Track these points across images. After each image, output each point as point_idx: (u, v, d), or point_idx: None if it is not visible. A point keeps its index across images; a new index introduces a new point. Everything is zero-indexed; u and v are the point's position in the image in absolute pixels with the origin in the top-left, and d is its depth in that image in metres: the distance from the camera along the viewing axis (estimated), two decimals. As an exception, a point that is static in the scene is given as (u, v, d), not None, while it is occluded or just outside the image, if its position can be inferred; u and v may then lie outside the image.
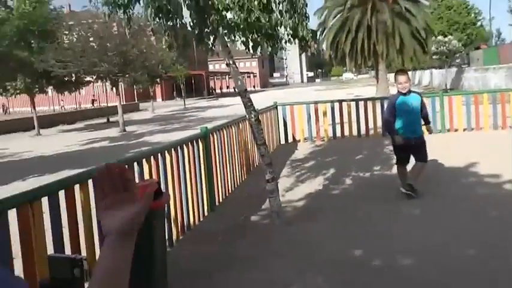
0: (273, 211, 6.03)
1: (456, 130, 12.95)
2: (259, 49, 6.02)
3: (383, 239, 5.27)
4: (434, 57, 40.93)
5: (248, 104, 5.97)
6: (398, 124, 6.76)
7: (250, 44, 5.78)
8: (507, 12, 77.19)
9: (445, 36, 43.92)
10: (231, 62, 5.90)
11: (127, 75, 24.99)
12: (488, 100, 13.21)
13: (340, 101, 13.60)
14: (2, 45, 18.91)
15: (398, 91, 6.83)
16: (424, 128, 7.22)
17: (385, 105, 8.50)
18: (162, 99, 62.25)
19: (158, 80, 34.80)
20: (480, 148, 10.29)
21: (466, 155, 9.24)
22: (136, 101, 49.15)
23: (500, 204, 6.30)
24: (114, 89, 24.95)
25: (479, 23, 65.94)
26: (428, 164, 7.08)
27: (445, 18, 61.00)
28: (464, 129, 12.97)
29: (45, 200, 3.39)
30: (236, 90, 6.30)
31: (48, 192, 3.36)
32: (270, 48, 6.04)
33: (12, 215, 3.10)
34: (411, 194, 6.60)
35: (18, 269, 3.04)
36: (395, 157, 7.19)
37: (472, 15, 64.41)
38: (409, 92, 6.83)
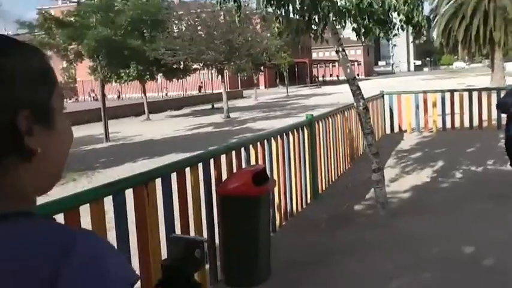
0: (378, 202, 5.89)
1: None
2: (369, 35, 5.86)
3: (494, 239, 4.94)
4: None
5: (356, 92, 5.85)
6: None
7: (362, 30, 5.64)
8: None
9: None
10: (340, 49, 5.81)
11: (232, 63, 25.51)
12: None
13: (452, 91, 12.94)
14: (118, 34, 20.01)
15: None
16: None
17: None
18: (265, 87, 62.97)
19: (262, 67, 35.22)
20: None
21: None
22: (240, 88, 50.14)
23: None
24: (219, 76, 25.59)
25: None
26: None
27: None
28: None
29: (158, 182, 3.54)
30: (340, 77, 6.20)
31: (161, 174, 3.51)
32: (381, 35, 5.85)
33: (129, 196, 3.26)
34: None
35: (133, 246, 3.21)
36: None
37: None
38: None
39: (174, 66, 25.38)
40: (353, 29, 5.95)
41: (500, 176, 7.35)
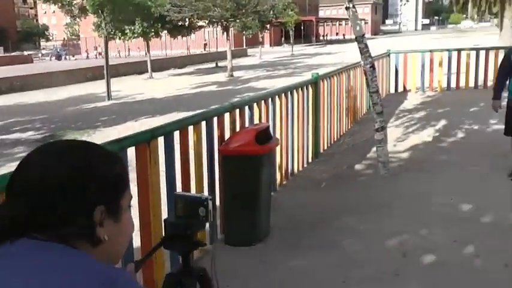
0: (380, 161, 5.92)
1: None
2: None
3: (494, 196, 5.00)
4: None
5: (364, 50, 5.80)
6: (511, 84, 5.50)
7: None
8: None
9: None
10: (350, 6, 5.72)
11: (238, 21, 25.19)
12: None
13: (459, 50, 12.80)
14: (123, -11, 19.70)
15: None
16: None
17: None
18: (270, 45, 62.31)
19: (268, 26, 34.76)
20: None
21: None
22: (245, 47, 49.64)
23: None
24: (224, 34, 25.31)
25: None
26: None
27: None
28: None
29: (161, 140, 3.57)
30: (346, 36, 6.11)
31: (163, 132, 3.53)
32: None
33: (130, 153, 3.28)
34: None
35: (134, 204, 3.26)
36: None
37: None
38: None
39: (179, 23, 25.07)
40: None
41: (502, 135, 7.34)
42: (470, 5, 29.53)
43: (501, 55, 11.93)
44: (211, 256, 1.74)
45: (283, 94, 5.68)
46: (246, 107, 4.82)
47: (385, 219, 4.60)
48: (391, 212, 4.79)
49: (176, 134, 3.69)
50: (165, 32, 26.92)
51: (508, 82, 5.56)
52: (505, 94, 5.68)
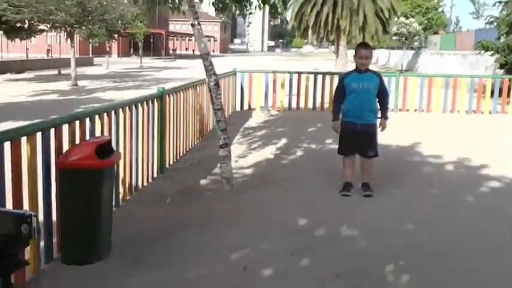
0: (224, 177, 6.04)
1: (407, 110, 13.25)
2: (226, 12, 5.92)
3: (330, 211, 5.38)
4: (394, 37, 41.48)
5: (209, 68, 5.90)
6: (346, 106, 5.83)
7: (219, 5, 5.67)
8: (468, 1, 78.78)
9: (407, 18, 44.51)
10: (196, 23, 5.78)
11: (84, 27, 24.15)
12: (441, 84, 13.56)
13: (299, 73, 13.63)
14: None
15: (355, 67, 5.87)
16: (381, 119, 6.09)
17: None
18: (118, 56, 60.69)
19: (116, 35, 33.86)
20: (429, 129, 10.61)
21: (415, 135, 9.51)
22: (91, 55, 47.72)
23: (443, 181, 6.55)
24: (69, 40, 24.09)
25: (440, 9, 67.15)
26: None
27: (409, 1, 61.74)
28: (415, 110, 13.29)
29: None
30: (196, 52, 6.19)
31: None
32: (238, 12, 5.94)
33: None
34: (347, 194, 5.83)
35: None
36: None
37: (435, 0, 65.45)
38: (367, 70, 5.83)
39: (18, 25, 23.30)
40: (211, 3, 5.97)
41: (336, 153, 7.95)
42: (310, 32, 31.67)
43: (336, 79, 13.00)
44: (34, 283, 1.62)
45: (127, 107, 5.55)
46: (87, 119, 4.61)
47: (227, 234, 4.68)
48: (233, 226, 4.89)
49: (7, 145, 3.41)
50: (1, 32, 24.84)
51: (342, 105, 5.92)
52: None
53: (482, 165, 7.40)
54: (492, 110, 13.35)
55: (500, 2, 19.09)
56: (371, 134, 5.86)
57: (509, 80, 14.01)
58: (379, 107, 5.93)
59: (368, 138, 5.85)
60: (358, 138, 5.80)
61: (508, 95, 13.58)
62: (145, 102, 6.06)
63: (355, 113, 5.74)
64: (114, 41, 37.95)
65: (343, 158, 6.02)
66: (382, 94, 5.92)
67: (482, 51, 19.13)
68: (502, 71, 18.31)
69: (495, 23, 18.62)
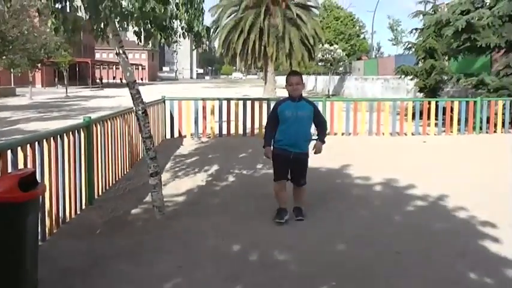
0: (155, 205, 5.96)
1: (335, 134, 13.63)
2: (151, 40, 5.90)
3: (262, 235, 5.42)
4: (320, 63, 42.81)
5: (136, 96, 5.84)
6: (280, 134, 5.78)
7: (143, 34, 5.65)
8: (387, 28, 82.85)
9: (331, 45, 46.18)
10: (121, 52, 5.74)
11: (4, 57, 23.31)
12: (365, 107, 14.08)
13: (228, 100, 13.74)
14: None
15: (288, 95, 5.85)
16: (315, 144, 6.00)
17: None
18: (42, 86, 58.88)
19: (39, 64, 32.89)
20: (357, 152, 10.96)
21: (344, 158, 9.79)
22: (12, 86, 45.96)
23: (372, 202, 6.76)
24: (-12, 70, 23.17)
25: (362, 36, 70.16)
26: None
27: (332, 28, 64.08)
28: (342, 134, 13.70)
29: None
30: (124, 80, 6.12)
31: None
32: (163, 40, 5.94)
33: None
34: (281, 222, 5.78)
35: None
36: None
37: (357, 27, 68.39)
38: (300, 98, 5.82)
39: None
40: (134, 32, 5.93)
41: (267, 178, 8.04)
42: (238, 59, 32.12)
43: (265, 105, 13.22)
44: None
45: (51, 138, 5.38)
46: (9, 151, 4.43)
47: (160, 263, 4.61)
48: (166, 255, 4.82)
49: None
50: None
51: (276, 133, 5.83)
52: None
53: (408, 185, 7.72)
54: (414, 131, 13.98)
55: (416, 29, 20.18)
56: (303, 163, 5.94)
57: (429, 103, 14.75)
58: (313, 134, 5.93)
59: (300, 166, 5.93)
60: (290, 166, 5.87)
61: (428, 117, 14.28)
62: (70, 133, 5.90)
63: (289, 142, 5.74)
64: (37, 70, 36.80)
65: (275, 183, 5.96)
66: (319, 121, 6.01)
67: (403, 76, 20.07)
68: (421, 94, 19.26)
69: (413, 49, 19.61)
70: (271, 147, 5.86)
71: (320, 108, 13.69)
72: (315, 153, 5.97)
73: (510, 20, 16.24)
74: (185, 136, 13.12)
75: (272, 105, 13.04)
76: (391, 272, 4.46)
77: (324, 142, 6.03)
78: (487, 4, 17.55)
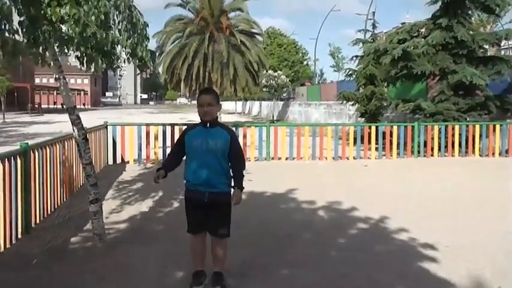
0: (95, 233, 5.80)
1: (280, 158, 13.76)
2: (93, 65, 5.81)
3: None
4: (264, 89, 43.37)
5: (76, 122, 5.73)
6: (188, 171, 4.46)
7: (85, 59, 5.56)
8: (328, 55, 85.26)
9: (275, 71, 46.95)
10: (60, 77, 5.62)
11: None
12: (309, 132, 14.32)
13: (173, 125, 13.65)
14: None
15: (200, 120, 4.46)
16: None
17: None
18: (-22, 111, 56.54)
19: (-26, 89, 31.68)
20: (301, 176, 11.08)
21: (288, 182, 9.88)
22: None
23: (316, 226, 6.83)
24: None
25: (305, 62, 71.83)
26: (250, 189, 7.28)
27: (276, 55, 65.29)
28: (286, 158, 13.85)
29: None
30: (65, 106, 5.97)
31: None
32: (104, 65, 5.86)
33: None
34: None
35: None
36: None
37: (300, 54, 70.01)
38: (215, 124, 4.44)
39: None
40: (76, 57, 5.83)
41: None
42: (182, 84, 32.12)
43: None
44: None
45: (-14, 164, 5.17)
46: None
47: (100, 294, 4.46)
48: (108, 284, 4.69)
49: None
50: None
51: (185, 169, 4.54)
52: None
53: (350, 207, 7.86)
54: (356, 155, 14.31)
55: (356, 57, 20.84)
56: (223, 207, 4.44)
57: (369, 128, 15.18)
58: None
59: (219, 212, 4.44)
60: (206, 212, 4.42)
61: (369, 142, 14.68)
62: (6, 159, 5.69)
63: (201, 180, 4.35)
64: (-28, 95, 35.42)
65: (190, 237, 4.62)
66: (235, 157, 4.45)
67: (344, 101, 20.58)
68: (362, 119, 19.80)
69: (354, 75, 20.20)
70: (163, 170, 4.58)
71: (264, 133, 13.85)
72: (235, 204, 4.44)
73: (443, 48, 17.06)
74: (128, 162, 12.90)
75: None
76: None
77: (242, 188, 4.47)
78: (422, 33, 18.38)
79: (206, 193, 4.34)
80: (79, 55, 5.67)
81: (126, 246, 5.88)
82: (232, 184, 4.47)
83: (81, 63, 5.80)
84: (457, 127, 15.04)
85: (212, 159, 4.32)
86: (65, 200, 8.09)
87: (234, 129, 13.59)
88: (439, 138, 14.90)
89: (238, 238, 6.07)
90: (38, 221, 6.68)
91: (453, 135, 14.95)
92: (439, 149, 14.91)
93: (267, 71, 40.54)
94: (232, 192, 4.45)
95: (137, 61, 6.03)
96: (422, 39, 17.65)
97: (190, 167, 4.42)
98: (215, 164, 4.34)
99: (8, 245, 5.65)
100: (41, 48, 5.49)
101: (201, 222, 4.47)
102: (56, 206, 7.57)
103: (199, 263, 4.62)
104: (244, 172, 4.57)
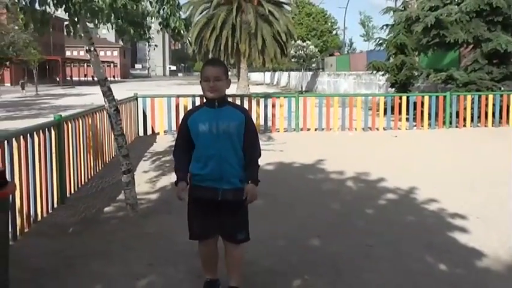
0: (128, 203, 5.92)
1: (309, 129, 13.73)
2: (125, 37, 5.85)
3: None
4: (292, 60, 42.98)
5: (107, 93, 5.80)
6: (194, 163, 3.61)
7: (114, 29, 5.60)
8: (359, 24, 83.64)
9: (304, 41, 46.39)
10: (91, 49, 5.68)
11: (-29, 55, 22.82)
12: (338, 103, 14.21)
13: (202, 96, 13.68)
14: None
15: (205, 98, 3.61)
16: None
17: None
18: (11, 84, 57.76)
19: (7, 63, 32.29)
20: (329, 147, 11.06)
21: (317, 153, 9.87)
22: (-20, 84, 45.02)
23: (342, 198, 6.84)
24: (-45, 69, 22.63)
25: (334, 32, 70.69)
26: (278, 162, 7.26)
27: (304, 24, 64.41)
28: (316, 129, 13.80)
29: None
30: (95, 78, 6.06)
31: None
32: (136, 37, 5.90)
33: None
34: None
35: None
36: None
37: (329, 24, 68.88)
38: (224, 102, 3.56)
39: None
40: (107, 28, 5.89)
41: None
42: (210, 56, 32.04)
43: (238, 102, 13.22)
44: None
45: (21, 136, 5.30)
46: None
47: (133, 261, 4.58)
48: (139, 253, 4.80)
49: None
50: None
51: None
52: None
53: (379, 178, 7.83)
54: (386, 126, 14.17)
55: (387, 25, 20.42)
56: (238, 205, 3.57)
57: (400, 98, 14.97)
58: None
59: (235, 212, 3.61)
60: (218, 213, 3.61)
61: (400, 112, 14.50)
62: (41, 131, 5.82)
63: (212, 174, 3.51)
64: (5, 68, 36.12)
65: (198, 243, 3.81)
66: (250, 143, 3.57)
67: (374, 71, 20.30)
68: (393, 89, 19.52)
69: (384, 45, 19.84)
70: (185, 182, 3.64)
71: (293, 104, 13.81)
72: (248, 202, 3.53)
73: (477, 16, 16.57)
74: (158, 133, 13.05)
75: (245, 103, 13.14)
76: (370, 264, 4.53)
77: (257, 182, 3.55)
78: (455, 0, 17.87)
79: (219, 190, 3.50)
80: (111, 26, 5.72)
81: (157, 216, 6.00)
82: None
83: (118, 33, 5.83)
84: (490, 97, 14.71)
85: (224, 146, 3.47)
86: (98, 170, 8.26)
87: (263, 100, 13.52)
88: (472, 108, 14.61)
89: (265, 208, 6.16)
90: (72, 191, 6.86)
91: (486, 105, 14.64)
92: (472, 120, 14.63)
93: (295, 41, 40.13)
94: (245, 188, 3.50)
95: (171, 31, 6.05)
96: (456, 6, 17.14)
97: (197, 158, 3.57)
98: (228, 153, 3.49)
99: (44, 214, 5.83)
100: (72, 20, 5.55)
101: (212, 226, 3.64)
102: (89, 177, 7.74)
103: (211, 272, 3.85)
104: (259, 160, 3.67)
